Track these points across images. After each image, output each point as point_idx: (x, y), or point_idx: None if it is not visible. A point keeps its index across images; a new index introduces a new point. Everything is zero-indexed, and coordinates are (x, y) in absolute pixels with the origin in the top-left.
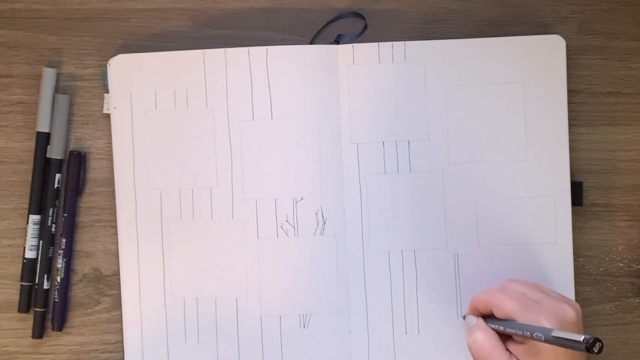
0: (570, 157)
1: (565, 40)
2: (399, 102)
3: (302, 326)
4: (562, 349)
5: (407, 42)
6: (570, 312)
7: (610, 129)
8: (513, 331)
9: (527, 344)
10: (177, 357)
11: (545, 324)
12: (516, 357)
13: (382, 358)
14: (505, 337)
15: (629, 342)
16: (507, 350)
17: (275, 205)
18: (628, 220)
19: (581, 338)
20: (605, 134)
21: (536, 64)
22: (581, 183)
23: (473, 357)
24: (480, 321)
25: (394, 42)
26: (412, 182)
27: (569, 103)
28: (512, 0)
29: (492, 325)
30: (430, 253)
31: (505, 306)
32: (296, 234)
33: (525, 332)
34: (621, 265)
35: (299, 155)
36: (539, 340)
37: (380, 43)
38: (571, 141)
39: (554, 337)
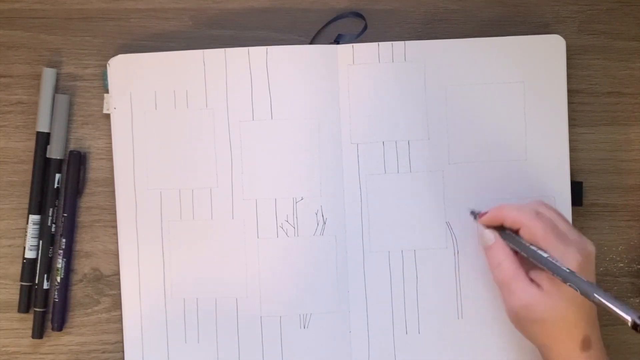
0: (570, 157)
1: (565, 40)
2: (399, 102)
3: (302, 326)
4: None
5: (407, 42)
6: (592, 249)
7: (610, 129)
8: (541, 265)
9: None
10: (177, 357)
11: (574, 257)
12: (537, 284)
13: (382, 358)
14: (522, 256)
15: (629, 342)
16: (528, 275)
17: (275, 205)
18: (628, 220)
19: (629, 318)
20: (605, 134)
21: (536, 64)
22: (581, 183)
23: (493, 278)
24: (500, 241)
25: (394, 42)
26: (412, 182)
27: (569, 103)
28: (512, 0)
29: (514, 246)
30: (430, 253)
31: (537, 232)
32: (296, 234)
33: (556, 274)
34: (621, 265)
35: (299, 155)
36: (573, 288)
37: (380, 43)
38: (571, 141)
39: (597, 298)
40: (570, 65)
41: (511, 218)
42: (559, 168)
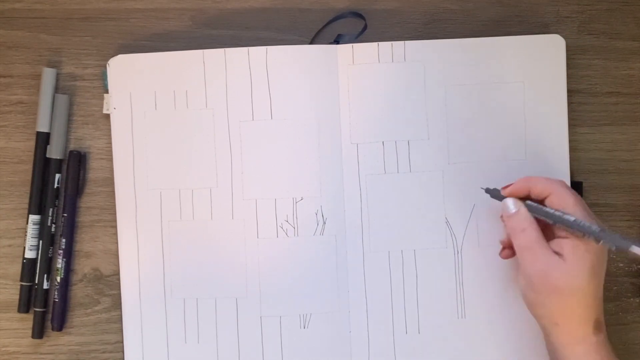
0: (570, 157)
1: (565, 40)
2: (399, 102)
3: (302, 326)
4: (607, 249)
5: (407, 42)
6: None
7: (610, 129)
8: (569, 228)
9: (571, 238)
10: (177, 357)
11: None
12: (558, 254)
13: (382, 358)
14: (543, 228)
15: (629, 342)
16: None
17: (275, 205)
18: (628, 220)
19: None
20: (605, 134)
21: (536, 64)
22: (581, 183)
23: (516, 245)
24: (524, 209)
25: (393, 42)
26: (412, 182)
27: (569, 103)
28: (512, 0)
29: (538, 215)
30: (430, 253)
31: (568, 199)
32: (296, 234)
33: (586, 235)
34: (621, 265)
35: (299, 155)
36: (607, 245)
37: (380, 43)
38: (571, 141)
39: (636, 249)
40: (570, 65)
41: (541, 185)
42: (559, 168)
